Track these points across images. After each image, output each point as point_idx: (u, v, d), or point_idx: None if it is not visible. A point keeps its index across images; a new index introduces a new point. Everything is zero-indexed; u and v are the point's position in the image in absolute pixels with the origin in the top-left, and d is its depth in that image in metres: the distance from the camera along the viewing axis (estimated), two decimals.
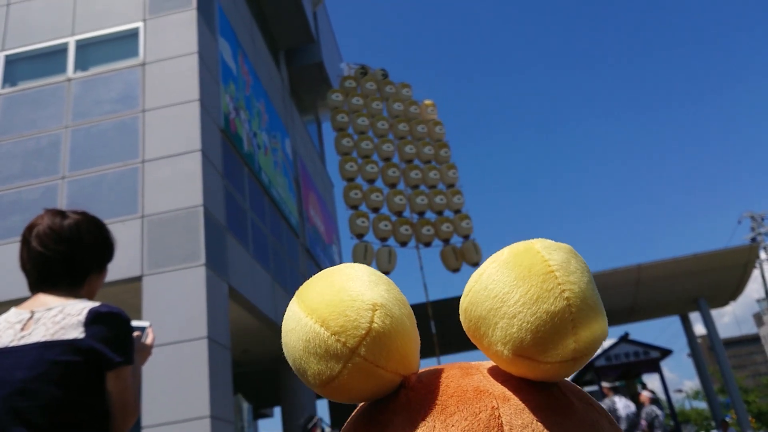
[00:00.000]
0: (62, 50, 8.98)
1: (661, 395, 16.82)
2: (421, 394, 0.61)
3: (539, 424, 0.58)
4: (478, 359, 0.71)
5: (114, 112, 8.31)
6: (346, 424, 0.67)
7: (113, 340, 1.43)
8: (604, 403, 7.57)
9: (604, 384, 7.96)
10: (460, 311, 0.65)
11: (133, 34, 8.89)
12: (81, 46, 9.00)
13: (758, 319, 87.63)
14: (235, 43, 10.37)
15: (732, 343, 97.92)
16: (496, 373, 0.64)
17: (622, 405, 7.53)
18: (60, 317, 1.43)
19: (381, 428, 0.60)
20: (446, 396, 0.61)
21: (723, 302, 17.25)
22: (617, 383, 8.05)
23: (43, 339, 1.40)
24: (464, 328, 0.65)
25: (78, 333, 1.40)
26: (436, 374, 0.65)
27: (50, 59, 9.01)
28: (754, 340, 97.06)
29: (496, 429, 0.57)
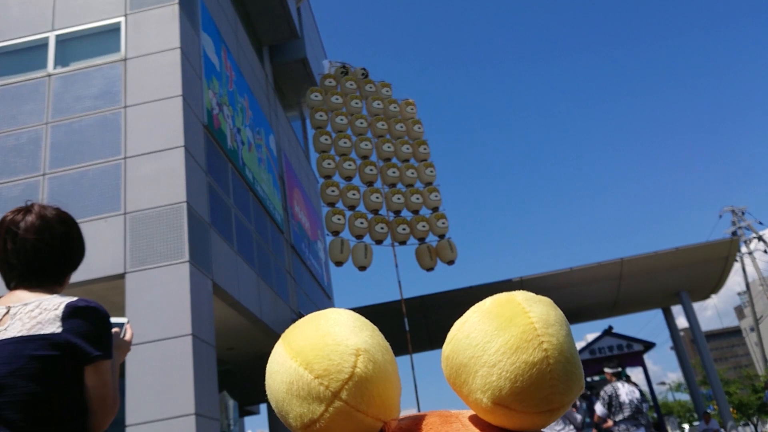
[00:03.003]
0: (42, 45, 8.86)
1: (645, 387, 17.01)
2: None
3: None
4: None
5: (95, 108, 8.22)
6: None
7: (91, 334, 1.42)
8: (606, 390, 7.55)
9: (607, 370, 7.96)
10: (442, 358, 0.66)
11: (114, 29, 8.79)
12: (61, 41, 8.88)
13: (739, 311, 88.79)
14: (218, 38, 10.29)
15: (714, 335, 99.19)
16: (475, 421, 0.65)
17: (625, 391, 7.51)
18: (37, 312, 1.42)
19: None
20: None
21: (705, 295, 17.46)
22: (619, 369, 8.03)
23: (19, 334, 1.38)
24: (445, 376, 0.66)
25: (55, 327, 1.39)
26: (416, 421, 0.65)
27: (30, 54, 8.89)
28: (736, 332, 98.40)
29: None
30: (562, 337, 0.59)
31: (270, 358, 0.64)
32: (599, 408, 7.48)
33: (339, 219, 9.85)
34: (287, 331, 0.64)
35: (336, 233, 9.84)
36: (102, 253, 7.23)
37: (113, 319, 1.66)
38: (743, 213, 34.47)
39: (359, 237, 9.92)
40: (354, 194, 10.14)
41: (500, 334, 0.59)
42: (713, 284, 16.51)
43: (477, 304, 0.64)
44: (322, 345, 0.59)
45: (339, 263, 9.76)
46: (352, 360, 0.58)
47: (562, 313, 0.63)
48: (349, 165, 10.28)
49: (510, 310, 0.60)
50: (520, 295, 0.62)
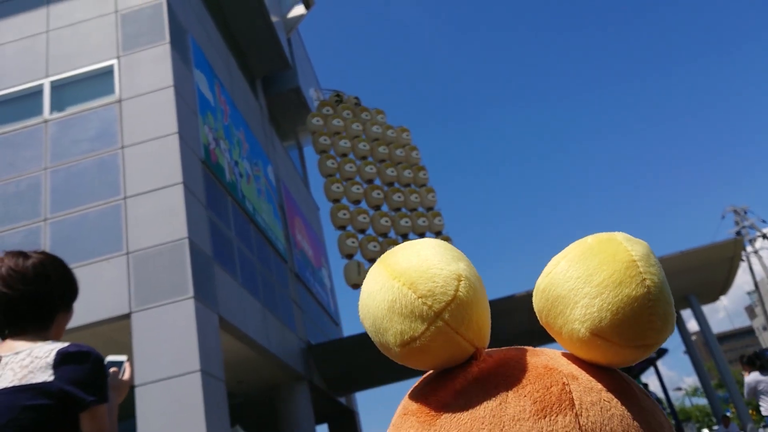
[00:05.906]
0: (38, 92, 8.96)
1: (660, 394, 16.84)
2: (492, 366, 0.65)
3: (607, 403, 0.61)
4: None
5: (93, 151, 8.28)
6: (411, 390, 0.70)
7: (84, 379, 1.41)
8: None
9: None
10: (536, 291, 0.68)
11: (108, 72, 8.89)
12: (56, 86, 8.99)
13: (750, 311, 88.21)
14: (210, 73, 10.40)
15: (726, 337, 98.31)
16: (562, 355, 0.68)
17: None
18: (28, 361, 1.41)
19: (453, 394, 0.63)
20: (517, 370, 0.64)
21: (713, 297, 17.36)
22: None
23: (11, 384, 1.37)
24: (536, 309, 0.68)
25: (47, 376, 1.38)
26: (505, 352, 0.68)
27: (26, 102, 8.99)
28: (748, 332, 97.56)
29: (567, 403, 0.59)
30: (662, 278, 0.62)
31: (366, 280, 0.66)
32: None
33: (353, 242, 10.04)
34: (384, 256, 0.66)
35: (350, 256, 10.00)
36: (106, 294, 7.23)
37: (111, 358, 1.64)
38: (746, 212, 34.40)
39: (372, 260, 10.04)
40: (364, 218, 10.35)
41: (604, 269, 0.61)
42: (721, 285, 16.42)
43: (577, 241, 0.66)
44: (425, 267, 0.62)
45: (356, 286, 9.92)
46: (454, 284, 0.61)
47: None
48: (357, 189, 10.50)
49: (613, 248, 0.62)
50: (620, 236, 0.64)
